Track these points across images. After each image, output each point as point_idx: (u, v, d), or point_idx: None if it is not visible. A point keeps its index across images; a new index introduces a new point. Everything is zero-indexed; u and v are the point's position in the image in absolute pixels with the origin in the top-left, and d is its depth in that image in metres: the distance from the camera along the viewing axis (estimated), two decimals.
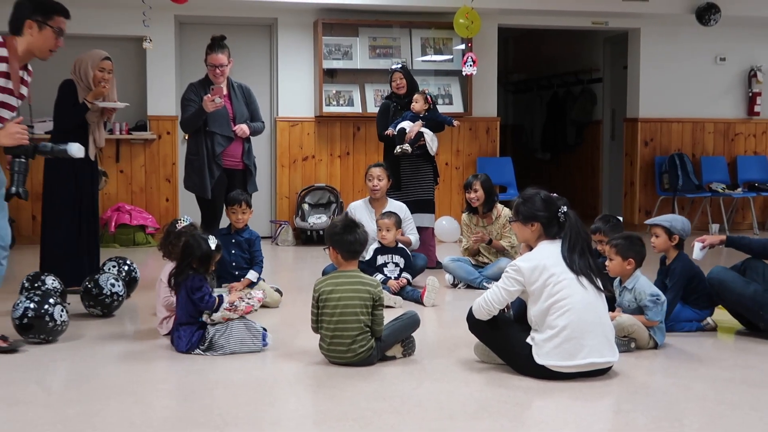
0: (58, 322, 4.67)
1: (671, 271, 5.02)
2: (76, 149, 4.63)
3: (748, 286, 4.85)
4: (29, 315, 4.59)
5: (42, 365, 4.29)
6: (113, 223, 8.94)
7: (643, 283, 4.67)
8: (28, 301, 4.63)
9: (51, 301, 4.67)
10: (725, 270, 4.99)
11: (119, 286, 5.42)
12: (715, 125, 10.76)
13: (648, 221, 5.28)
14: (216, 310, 4.46)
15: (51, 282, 5.44)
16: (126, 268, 6.01)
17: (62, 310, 4.70)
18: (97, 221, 6.38)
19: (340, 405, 3.64)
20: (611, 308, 4.52)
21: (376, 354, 4.25)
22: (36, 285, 5.37)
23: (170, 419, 3.47)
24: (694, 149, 10.68)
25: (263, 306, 5.44)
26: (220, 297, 4.53)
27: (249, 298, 4.59)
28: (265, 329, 4.62)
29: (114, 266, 5.98)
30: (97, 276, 5.40)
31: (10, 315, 4.68)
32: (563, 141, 12.80)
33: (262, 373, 4.23)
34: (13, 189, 4.36)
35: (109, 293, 5.35)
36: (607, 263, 4.74)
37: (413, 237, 6.67)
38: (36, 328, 4.61)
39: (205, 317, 4.46)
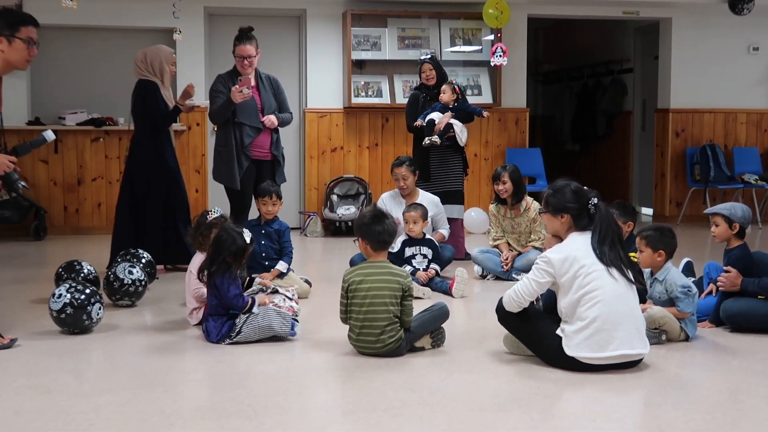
0: (94, 320, 4.72)
1: (729, 257, 4.93)
2: (50, 134, 4.95)
3: (765, 305, 4.76)
4: (68, 312, 4.61)
5: (74, 355, 4.33)
6: None
7: (674, 275, 4.62)
8: (69, 296, 4.63)
9: (92, 300, 4.69)
10: (737, 300, 4.85)
11: (138, 272, 5.45)
12: (748, 116, 10.61)
13: (707, 210, 5.19)
14: (248, 312, 4.48)
15: (87, 269, 5.52)
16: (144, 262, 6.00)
17: (100, 308, 4.74)
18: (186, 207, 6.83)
19: (368, 395, 3.64)
20: (642, 300, 4.48)
21: (405, 345, 4.25)
22: (71, 274, 5.44)
23: (200, 409, 3.49)
24: (726, 140, 10.55)
25: None
26: (253, 299, 4.55)
27: (285, 299, 4.63)
28: (295, 318, 4.63)
29: (143, 252, 6.02)
30: (114, 268, 5.43)
31: (47, 303, 4.72)
32: (593, 132, 12.69)
33: (291, 363, 4.25)
34: (15, 186, 4.58)
35: (130, 282, 5.38)
36: (637, 255, 4.70)
37: (445, 231, 6.66)
38: (72, 324, 4.65)
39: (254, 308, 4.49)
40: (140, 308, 5.44)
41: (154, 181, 6.67)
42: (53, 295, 4.69)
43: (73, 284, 4.74)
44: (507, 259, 6.47)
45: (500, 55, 9.15)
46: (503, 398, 3.63)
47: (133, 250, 6.02)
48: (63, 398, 3.59)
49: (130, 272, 5.41)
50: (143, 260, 5.93)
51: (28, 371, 4.01)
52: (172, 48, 7.04)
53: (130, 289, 5.38)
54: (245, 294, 4.65)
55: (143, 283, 5.46)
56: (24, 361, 4.20)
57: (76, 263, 5.60)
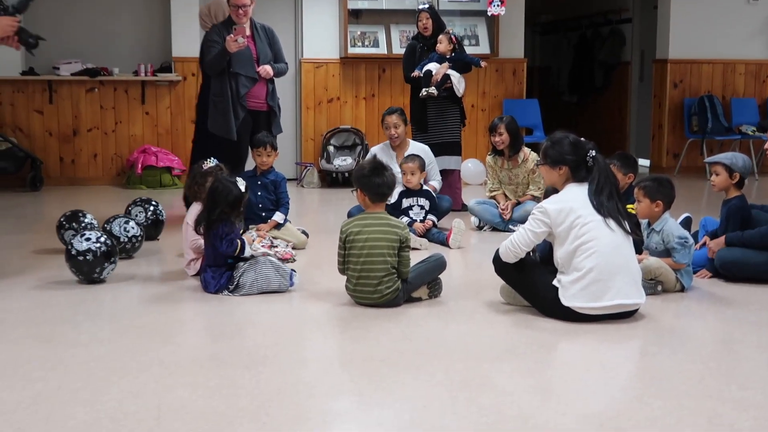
0: (104, 276, 4.75)
1: (728, 207, 4.93)
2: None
3: (759, 255, 4.77)
4: (88, 257, 4.63)
5: (72, 305, 4.35)
6: (140, 165, 8.96)
7: (672, 226, 4.63)
8: (97, 243, 4.66)
9: (113, 258, 4.75)
10: (731, 250, 4.84)
11: (133, 228, 5.44)
12: (746, 66, 10.54)
13: (708, 159, 5.18)
14: (239, 254, 4.48)
15: (89, 219, 5.58)
16: (152, 209, 6.04)
17: (113, 269, 4.79)
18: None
19: (366, 346, 3.66)
20: (639, 251, 4.50)
21: (402, 295, 4.26)
22: (73, 224, 5.49)
23: (199, 359, 3.51)
24: (725, 91, 10.49)
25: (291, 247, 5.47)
26: (242, 240, 4.54)
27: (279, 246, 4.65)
28: (293, 270, 4.64)
29: (140, 210, 6.01)
30: (108, 226, 5.41)
31: (46, 254, 4.72)
32: (591, 83, 12.62)
33: (288, 314, 4.27)
34: (31, 40, 4.69)
35: (126, 239, 5.38)
36: (635, 205, 4.70)
37: (436, 183, 6.64)
38: (86, 271, 4.67)
39: (248, 251, 4.49)
40: (137, 259, 5.44)
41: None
42: (81, 235, 4.70)
43: (103, 236, 4.76)
44: (506, 207, 6.46)
45: (498, 5, 9.03)
46: (500, 348, 3.66)
47: (148, 205, 6.06)
48: (62, 348, 3.61)
49: (126, 230, 5.41)
50: (155, 217, 6.01)
51: (28, 321, 4.03)
52: None
53: (126, 246, 5.38)
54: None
55: (139, 238, 5.46)
56: (23, 310, 4.22)
57: (80, 213, 5.63)
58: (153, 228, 5.99)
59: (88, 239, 4.68)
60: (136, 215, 5.94)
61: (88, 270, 4.67)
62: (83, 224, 5.52)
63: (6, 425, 2.78)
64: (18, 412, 2.88)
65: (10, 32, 4.56)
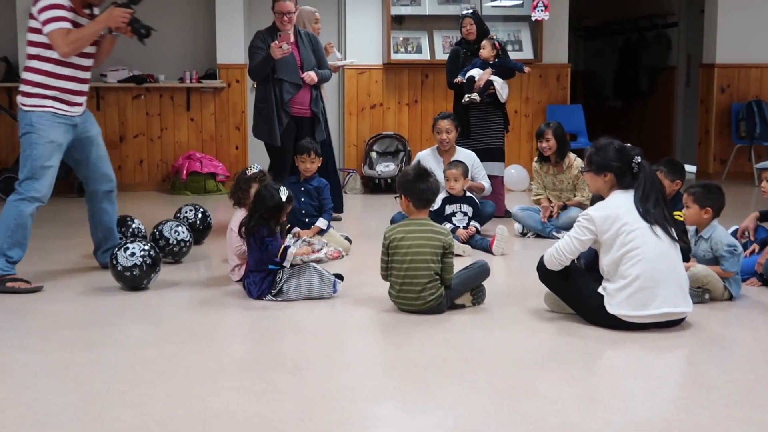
0: (151, 283, 4.80)
1: None
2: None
3: None
4: (134, 273, 4.68)
5: (120, 309, 4.41)
6: (184, 171, 9.07)
7: (720, 233, 4.57)
8: (141, 257, 4.68)
9: (158, 266, 4.79)
10: None
11: (184, 232, 5.51)
12: None
13: (758, 165, 5.11)
14: (282, 259, 4.51)
15: (137, 225, 5.70)
16: (200, 215, 6.13)
17: (159, 273, 4.83)
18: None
19: (409, 352, 3.66)
20: (686, 259, 4.44)
21: (446, 302, 4.26)
22: (122, 229, 5.57)
23: (243, 363, 3.54)
24: None
25: None
26: (286, 247, 4.58)
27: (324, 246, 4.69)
28: (339, 277, 4.66)
29: (191, 210, 6.12)
30: (161, 226, 5.49)
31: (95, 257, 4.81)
32: (636, 88, 12.50)
33: (332, 319, 4.29)
34: (143, 31, 4.84)
35: (175, 242, 5.45)
36: (683, 212, 4.65)
37: (485, 183, 6.63)
38: (133, 282, 4.72)
39: (288, 259, 4.52)
40: (183, 265, 5.51)
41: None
42: (124, 249, 4.72)
43: (146, 245, 4.79)
44: (550, 207, 6.43)
45: (542, 10, 9.01)
46: (543, 356, 3.64)
47: (198, 210, 6.16)
48: (110, 351, 3.66)
49: (177, 233, 5.47)
50: (203, 223, 6.10)
51: (76, 325, 4.10)
52: (314, 7, 7.26)
53: (174, 249, 5.45)
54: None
55: (187, 244, 5.53)
56: (71, 314, 4.30)
57: (128, 218, 5.73)
58: (202, 232, 6.09)
59: (132, 254, 4.69)
60: (186, 214, 6.05)
61: (136, 282, 4.73)
62: (131, 229, 5.62)
63: (55, 427, 2.83)
64: (67, 415, 2.94)
65: (121, 22, 4.76)
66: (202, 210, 6.18)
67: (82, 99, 5.01)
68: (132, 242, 4.80)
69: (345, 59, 7.47)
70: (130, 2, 4.85)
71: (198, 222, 6.09)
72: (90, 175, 5.13)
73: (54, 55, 4.78)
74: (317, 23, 7.19)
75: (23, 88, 4.86)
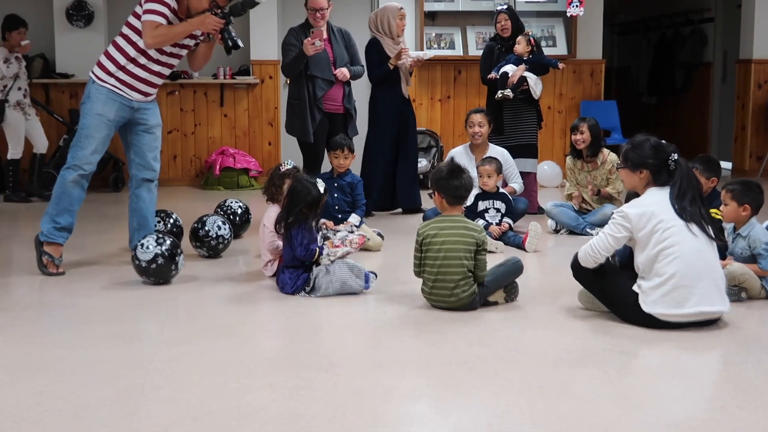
0: (179, 270, 4.84)
1: None
2: None
3: None
4: (159, 262, 4.70)
5: (154, 305, 4.44)
6: (218, 167, 9.12)
7: (759, 231, 4.50)
8: (159, 247, 4.71)
9: (178, 250, 4.80)
10: None
11: (225, 229, 5.53)
12: None
13: None
14: (316, 259, 4.53)
15: (175, 218, 5.76)
16: (241, 209, 6.19)
17: (182, 258, 4.86)
18: (415, 155, 7.55)
19: (442, 350, 3.65)
20: (722, 257, 4.39)
21: (479, 299, 4.24)
22: (159, 222, 5.65)
23: (277, 360, 3.55)
24: None
25: (365, 249, 5.49)
26: (321, 248, 4.59)
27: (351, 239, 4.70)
28: (373, 273, 4.66)
29: (236, 202, 6.21)
30: (205, 217, 5.53)
31: (130, 250, 4.86)
32: (671, 84, 12.37)
33: (365, 316, 4.29)
34: (230, 43, 4.93)
35: (214, 236, 5.48)
36: (721, 209, 4.60)
37: (516, 185, 6.60)
38: (158, 274, 4.75)
39: (324, 257, 4.53)
40: (217, 260, 5.53)
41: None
42: (141, 245, 4.76)
43: (159, 236, 4.83)
44: (576, 197, 6.41)
45: (576, 6, 8.92)
46: (577, 354, 3.61)
47: (241, 204, 6.25)
48: (145, 347, 3.70)
49: (219, 227, 5.50)
50: (245, 217, 6.18)
51: (111, 320, 4.13)
52: (399, 3, 7.35)
53: (212, 242, 5.48)
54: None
55: (226, 242, 5.55)
56: (107, 310, 4.33)
57: (168, 212, 5.82)
58: (240, 226, 6.16)
59: (147, 248, 4.71)
60: (231, 205, 6.15)
61: (159, 272, 4.74)
62: (169, 224, 5.73)
63: (92, 421, 2.86)
64: (104, 409, 2.96)
65: (212, 30, 4.90)
66: (241, 204, 6.22)
67: (150, 90, 5.13)
68: (146, 237, 4.84)
69: (425, 52, 7.62)
70: (230, 13, 4.96)
71: (237, 217, 6.12)
72: (134, 160, 5.22)
73: (141, 42, 4.91)
74: (402, 20, 7.22)
75: (100, 58, 5.06)
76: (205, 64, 5.34)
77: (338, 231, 5.25)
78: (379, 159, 7.26)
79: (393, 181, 7.29)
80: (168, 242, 4.76)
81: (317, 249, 4.55)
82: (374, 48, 7.21)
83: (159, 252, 4.70)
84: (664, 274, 3.84)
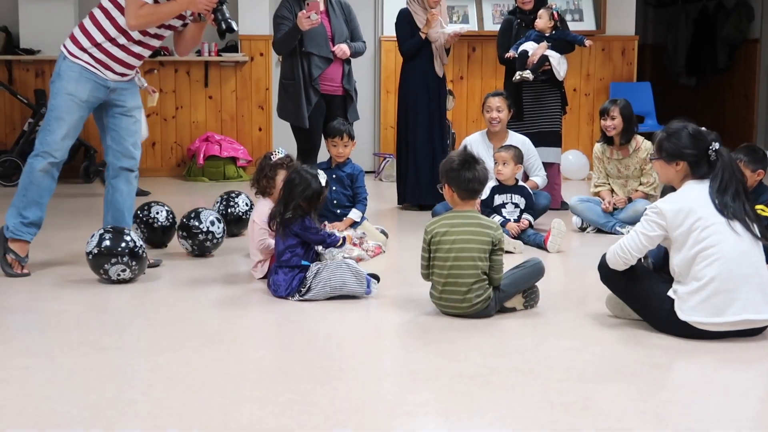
0: (112, 278, 4.84)
1: None
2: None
3: None
4: (93, 254, 4.80)
5: (130, 309, 4.47)
6: (202, 155, 9.14)
7: None
8: (99, 242, 4.82)
9: (113, 259, 4.80)
10: None
11: (218, 226, 5.56)
12: None
13: None
14: (341, 246, 4.72)
15: (167, 210, 5.83)
16: (248, 205, 6.25)
17: (123, 270, 4.82)
18: (445, 137, 7.79)
19: (453, 361, 3.66)
20: None
21: (494, 305, 4.26)
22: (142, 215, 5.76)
23: (267, 371, 3.57)
24: None
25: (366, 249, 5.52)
26: (344, 238, 4.74)
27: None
28: (375, 277, 4.68)
29: (245, 197, 6.29)
30: (200, 210, 5.55)
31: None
32: (712, 64, 12.38)
33: (366, 323, 4.30)
34: (224, 25, 4.87)
35: (205, 230, 5.49)
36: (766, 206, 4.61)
37: (539, 179, 6.61)
38: (92, 267, 4.85)
39: (339, 252, 4.68)
40: (201, 260, 5.55)
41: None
42: (92, 236, 4.88)
43: (108, 232, 4.89)
44: (610, 203, 6.40)
45: None
46: (605, 367, 3.63)
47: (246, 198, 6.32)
48: (119, 356, 3.71)
49: (212, 222, 5.53)
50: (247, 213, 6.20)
51: (83, 325, 4.16)
52: None
53: (200, 236, 5.51)
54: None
55: (216, 240, 5.57)
56: (78, 313, 4.35)
57: (159, 203, 5.90)
58: (236, 224, 6.22)
59: (92, 236, 4.86)
60: (236, 200, 6.24)
61: (93, 266, 4.84)
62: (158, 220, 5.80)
63: None
64: (73, 426, 2.97)
65: (204, 10, 4.87)
66: (248, 201, 6.28)
67: (127, 72, 5.13)
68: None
69: (462, 26, 7.69)
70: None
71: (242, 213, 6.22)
72: (111, 146, 5.22)
73: (122, 20, 4.91)
74: None
75: (74, 31, 5.05)
76: (194, 47, 5.34)
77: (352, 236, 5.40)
78: (416, 145, 7.43)
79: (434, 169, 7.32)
80: (111, 240, 4.82)
81: (341, 238, 4.72)
82: (404, 19, 7.32)
83: (97, 251, 4.80)
84: (703, 277, 3.85)
